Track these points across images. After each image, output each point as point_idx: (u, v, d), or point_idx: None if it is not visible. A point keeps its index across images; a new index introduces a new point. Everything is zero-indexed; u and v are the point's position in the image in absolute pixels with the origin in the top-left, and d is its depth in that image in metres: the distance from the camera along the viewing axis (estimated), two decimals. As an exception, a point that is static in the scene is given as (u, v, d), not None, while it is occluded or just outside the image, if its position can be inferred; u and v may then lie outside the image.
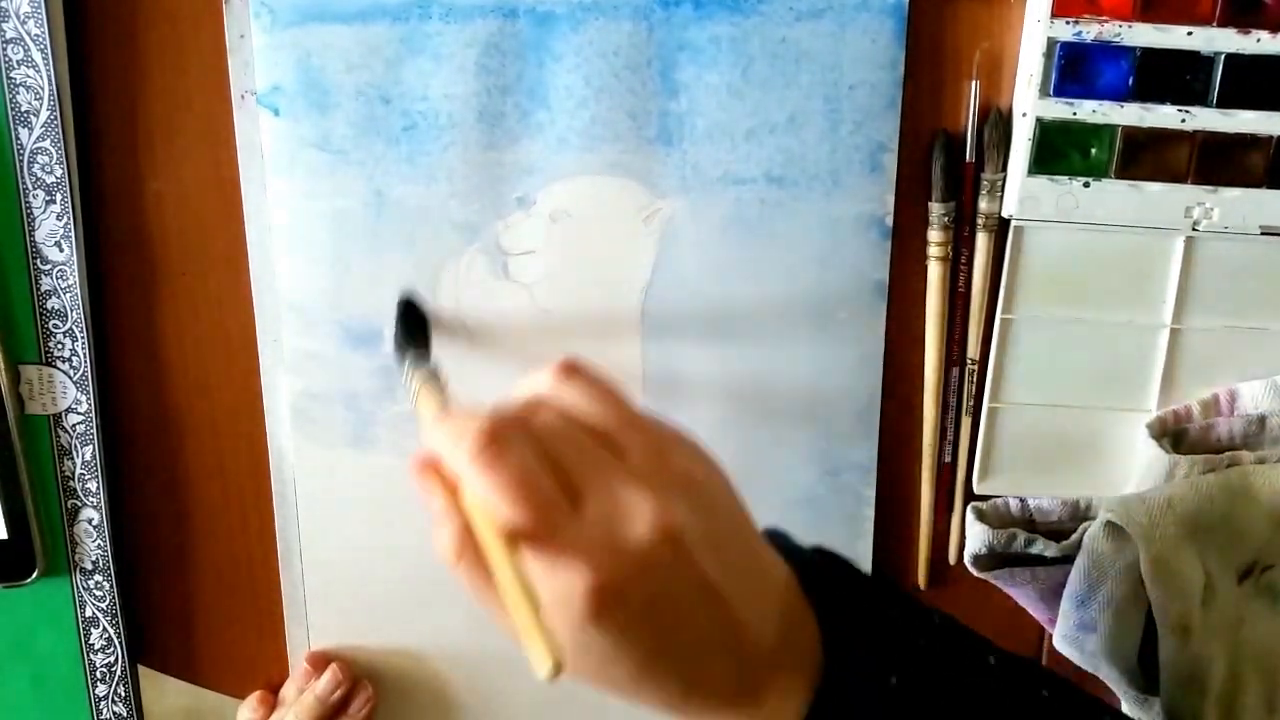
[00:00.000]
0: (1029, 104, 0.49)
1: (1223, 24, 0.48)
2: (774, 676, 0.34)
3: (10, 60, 0.49)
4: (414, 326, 0.50)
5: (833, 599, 0.35)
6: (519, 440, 0.32)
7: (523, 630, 0.30)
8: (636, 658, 0.32)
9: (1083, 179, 0.50)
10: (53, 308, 0.52)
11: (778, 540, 0.37)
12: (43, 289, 0.52)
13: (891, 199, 0.51)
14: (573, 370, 0.35)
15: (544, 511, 0.31)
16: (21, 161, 0.50)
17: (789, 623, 0.34)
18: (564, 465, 0.32)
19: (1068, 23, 0.48)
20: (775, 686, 0.34)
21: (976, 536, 0.53)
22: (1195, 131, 0.49)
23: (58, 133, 0.50)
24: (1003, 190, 0.51)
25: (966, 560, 0.54)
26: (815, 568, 0.36)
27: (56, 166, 0.50)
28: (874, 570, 0.57)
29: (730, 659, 0.33)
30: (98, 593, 0.56)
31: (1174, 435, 0.53)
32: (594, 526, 0.31)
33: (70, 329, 0.52)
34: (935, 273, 0.52)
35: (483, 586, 0.32)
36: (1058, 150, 0.50)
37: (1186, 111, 0.49)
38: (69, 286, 0.52)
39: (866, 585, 0.37)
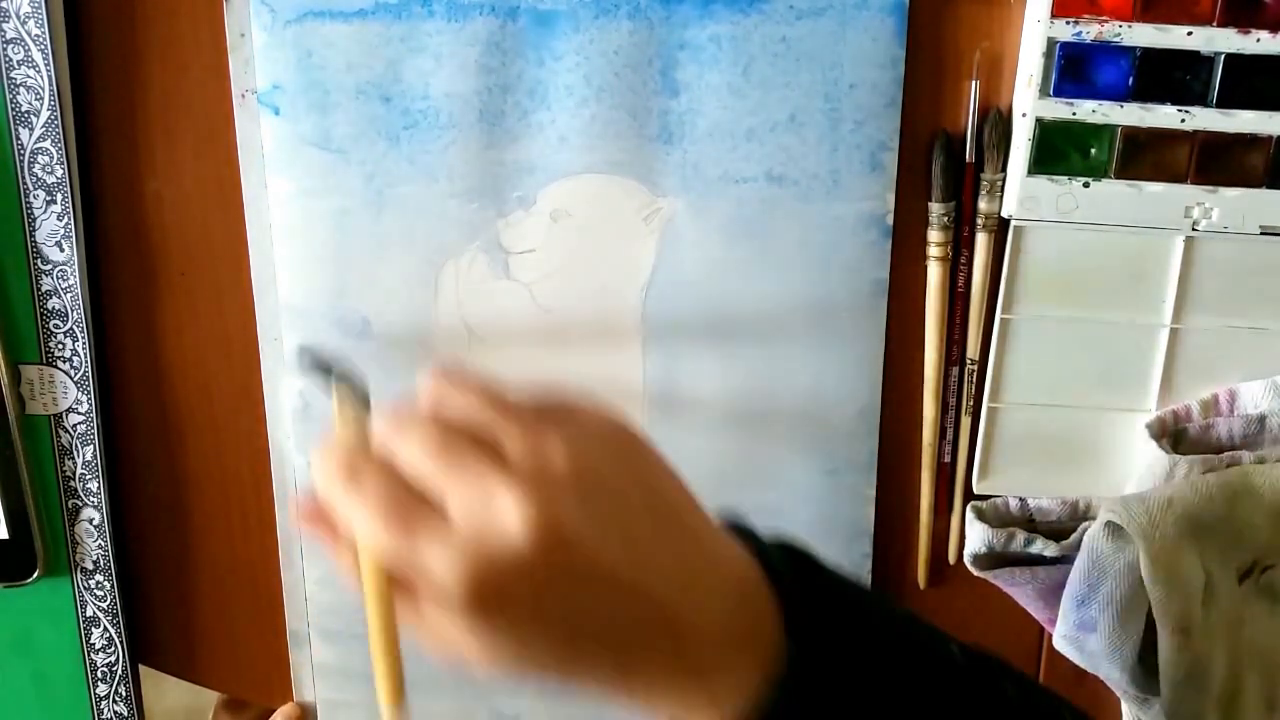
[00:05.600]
0: (1029, 104, 0.49)
1: (1223, 24, 0.48)
2: (723, 657, 0.33)
3: (10, 60, 0.49)
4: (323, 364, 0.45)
5: (794, 584, 0.35)
6: (372, 465, 0.33)
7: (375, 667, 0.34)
8: (545, 646, 0.32)
9: (1082, 179, 0.50)
10: (53, 308, 0.52)
11: (735, 526, 0.37)
12: (43, 289, 0.52)
13: (892, 198, 0.51)
14: (442, 375, 0.35)
15: (407, 525, 0.32)
16: (22, 161, 0.50)
17: (741, 604, 0.34)
18: (427, 476, 0.32)
19: (1068, 23, 0.48)
20: (724, 666, 0.33)
21: (976, 536, 0.53)
22: (1195, 131, 0.49)
23: (58, 133, 0.50)
24: (1003, 190, 0.51)
25: (966, 560, 0.54)
26: (777, 554, 0.36)
27: (57, 166, 0.50)
28: (873, 571, 0.57)
29: (663, 640, 0.33)
30: (98, 592, 0.56)
31: (1174, 435, 0.53)
32: (460, 530, 0.31)
33: (71, 329, 0.52)
34: (935, 273, 0.52)
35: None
36: (1058, 150, 0.50)
37: (1186, 111, 0.49)
38: (69, 286, 0.52)
39: (828, 575, 0.37)
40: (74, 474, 0.54)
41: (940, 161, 0.51)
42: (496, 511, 0.31)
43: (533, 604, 0.31)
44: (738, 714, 0.33)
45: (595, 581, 0.32)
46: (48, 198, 0.51)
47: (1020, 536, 0.53)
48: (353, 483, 0.33)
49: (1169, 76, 0.48)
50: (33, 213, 0.51)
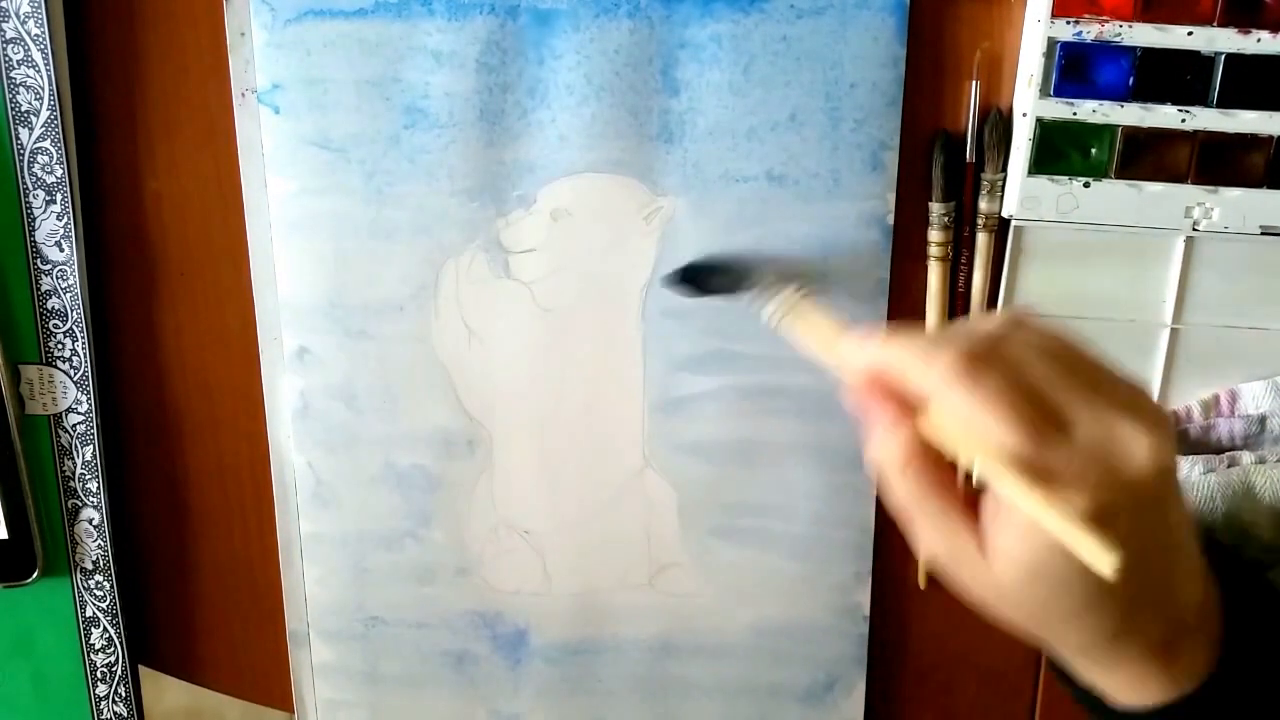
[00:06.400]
0: (1029, 104, 0.49)
1: (1223, 24, 0.48)
2: (1189, 637, 0.34)
3: (10, 60, 0.49)
4: (717, 272, 0.51)
5: (1233, 571, 0.36)
6: (1001, 365, 0.33)
7: (1068, 537, 0.31)
8: (1090, 591, 0.32)
9: (1083, 179, 0.50)
10: (53, 308, 0.52)
11: None
12: (43, 289, 0.52)
13: (892, 197, 0.51)
14: (1026, 317, 0.36)
15: (1037, 432, 0.32)
16: (22, 161, 0.50)
17: (1206, 591, 0.35)
18: (1045, 393, 0.33)
19: (1068, 23, 0.48)
20: (1187, 647, 0.34)
21: (977, 536, 0.53)
22: (1195, 131, 0.49)
23: (58, 133, 0.50)
24: (1003, 190, 0.51)
25: (967, 560, 0.54)
26: (1210, 540, 0.36)
27: (56, 166, 0.50)
28: (874, 571, 0.57)
29: (1162, 610, 0.34)
30: (98, 592, 0.56)
31: (1174, 436, 0.53)
32: (1087, 452, 0.32)
33: (70, 329, 0.52)
34: (935, 272, 0.52)
35: (924, 495, 0.34)
36: (1058, 150, 0.50)
37: (1186, 111, 0.49)
38: (69, 286, 0.52)
39: (1254, 564, 0.39)
40: (74, 474, 0.54)
41: (940, 161, 0.51)
42: (1124, 443, 0.32)
43: (1121, 544, 0.31)
44: (1182, 695, 0.34)
45: (1166, 535, 0.33)
46: (48, 198, 0.51)
47: (1020, 536, 0.53)
48: (979, 373, 0.32)
49: (1169, 76, 0.48)
50: (33, 213, 0.51)
